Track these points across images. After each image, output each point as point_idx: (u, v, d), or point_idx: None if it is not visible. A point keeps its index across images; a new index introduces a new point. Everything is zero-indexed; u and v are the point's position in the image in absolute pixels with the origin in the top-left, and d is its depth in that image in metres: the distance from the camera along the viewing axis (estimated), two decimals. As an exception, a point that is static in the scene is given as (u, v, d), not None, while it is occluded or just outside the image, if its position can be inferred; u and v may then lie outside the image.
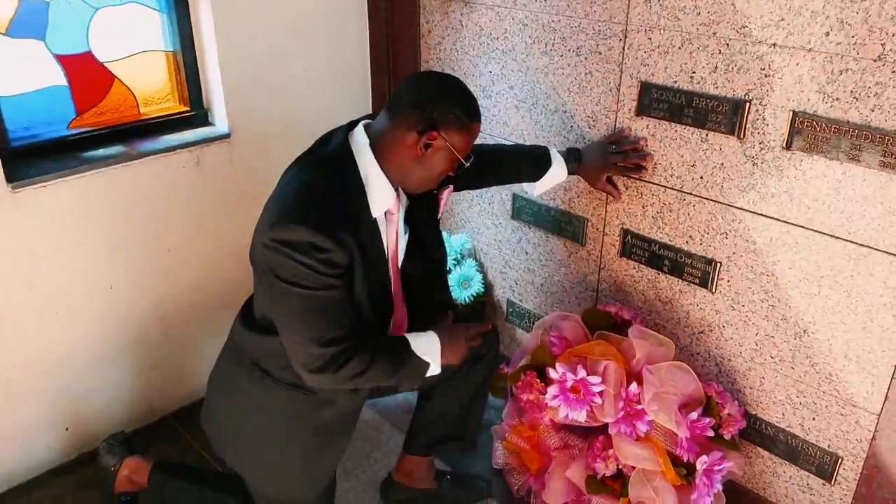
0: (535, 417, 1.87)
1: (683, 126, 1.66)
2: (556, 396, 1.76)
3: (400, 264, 1.54)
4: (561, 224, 2.02)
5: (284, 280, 1.31)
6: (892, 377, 1.49)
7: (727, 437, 1.74)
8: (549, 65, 1.90)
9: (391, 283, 1.50)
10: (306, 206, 1.31)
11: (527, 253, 2.17)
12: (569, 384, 1.75)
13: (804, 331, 1.60)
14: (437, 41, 2.17)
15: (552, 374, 1.77)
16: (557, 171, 1.80)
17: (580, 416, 1.74)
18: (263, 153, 2.16)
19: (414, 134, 1.35)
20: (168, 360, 2.17)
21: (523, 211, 2.10)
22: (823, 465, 1.67)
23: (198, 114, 2.08)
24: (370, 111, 2.43)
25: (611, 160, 1.78)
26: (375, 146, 1.38)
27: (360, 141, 1.39)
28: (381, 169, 1.38)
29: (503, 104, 2.05)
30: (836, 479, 1.66)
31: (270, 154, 2.17)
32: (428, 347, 1.49)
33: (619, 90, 1.77)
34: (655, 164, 1.75)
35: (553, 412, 1.79)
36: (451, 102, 1.36)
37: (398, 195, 1.46)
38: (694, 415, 1.71)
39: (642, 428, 1.71)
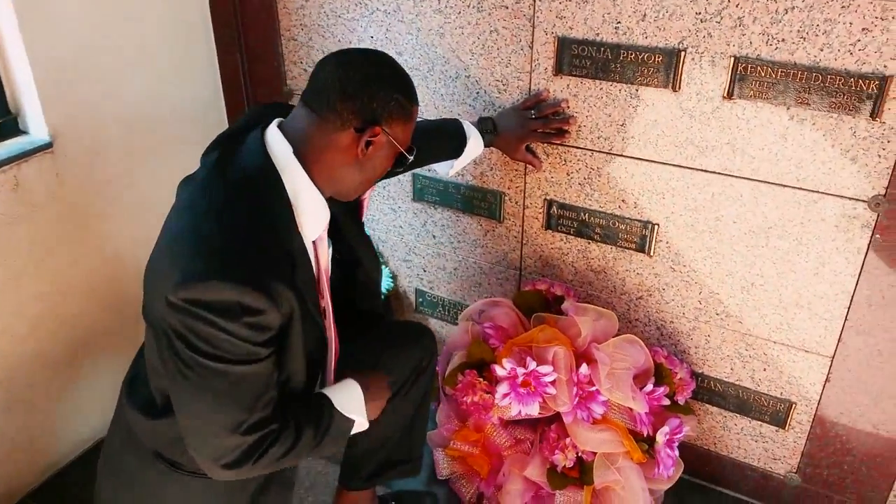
0: (481, 419, 1.69)
1: (610, 83, 1.52)
2: (506, 395, 1.59)
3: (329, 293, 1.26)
4: (473, 202, 1.83)
5: (197, 351, 1.00)
6: (845, 319, 1.48)
7: (681, 402, 1.69)
8: (445, 24, 1.67)
9: (329, 328, 1.22)
10: (231, 253, 1.00)
11: (434, 237, 1.95)
12: (519, 379, 1.59)
13: (751, 284, 1.55)
14: (300, 4, 1.84)
15: (499, 371, 1.60)
16: (474, 146, 1.59)
17: (533, 410, 1.60)
18: (99, 161, 1.73)
19: (350, 132, 1.08)
20: (14, 429, 1.72)
21: (426, 191, 1.88)
22: (777, 413, 1.66)
23: (5, 122, 1.61)
24: (221, 97, 2.05)
25: (530, 127, 1.60)
26: (300, 153, 1.09)
27: (279, 149, 1.09)
28: (311, 180, 1.09)
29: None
30: (789, 425, 1.65)
31: (108, 161, 1.75)
32: (351, 402, 1.24)
33: (531, 48, 1.58)
34: (580, 126, 1.60)
35: (503, 410, 1.63)
36: (390, 86, 1.10)
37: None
38: (649, 386, 1.63)
39: (598, 410, 1.60)
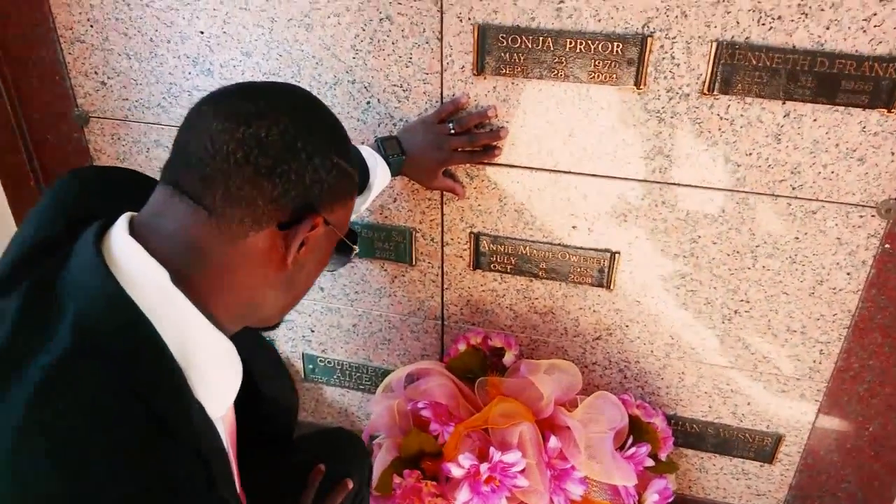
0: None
1: (552, 82, 1.18)
2: (468, 501, 1.24)
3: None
4: (373, 243, 1.43)
5: None
6: (845, 340, 1.28)
7: (664, 457, 1.43)
8: (313, 12, 1.23)
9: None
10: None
11: (321, 289, 1.54)
12: (483, 477, 1.25)
13: (735, 312, 1.31)
14: (88, -7, 1.31)
15: (454, 471, 1.25)
16: (382, 179, 1.20)
17: (498, 507, 1.27)
18: None
19: (270, 232, 0.67)
20: None
21: None
22: (762, 448, 1.47)
23: None
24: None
25: (449, 146, 1.23)
26: (183, 276, 0.66)
27: (145, 276, 0.64)
28: (209, 319, 0.66)
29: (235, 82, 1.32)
30: (776, 458, 1.46)
31: None
32: None
33: (440, 40, 1.20)
34: (513, 140, 1.25)
35: (459, 515, 1.28)
36: (325, 144, 0.69)
37: None
38: (632, 449, 1.35)
39: (577, 491, 1.32)
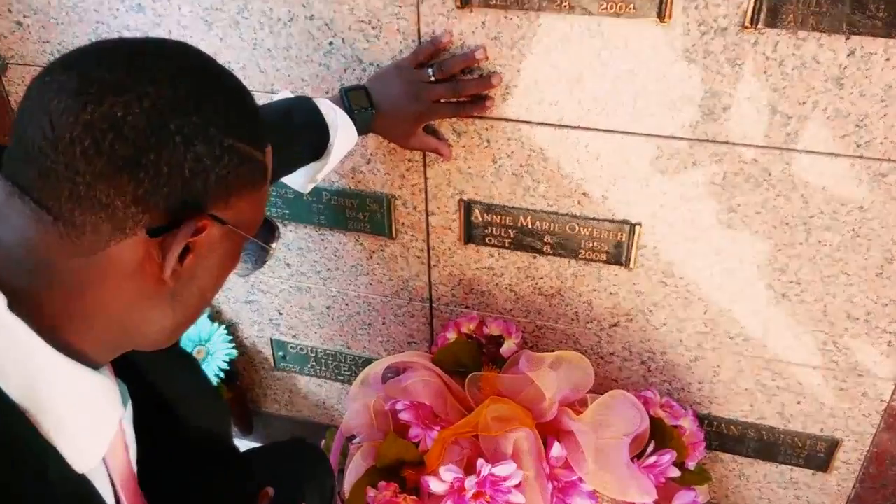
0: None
1: (556, 15, 1.05)
2: (452, 522, 1.17)
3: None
4: (345, 212, 1.34)
5: None
6: (919, 331, 1.17)
7: (692, 466, 1.34)
8: (259, -68, 1.11)
9: None
10: None
11: (288, 265, 1.46)
12: (469, 493, 1.17)
13: (783, 295, 1.21)
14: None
15: (434, 486, 1.17)
16: (344, 139, 1.10)
17: (490, 529, 1.20)
18: None
19: (138, 241, 0.58)
20: None
21: (268, 201, 1.36)
22: (814, 454, 1.38)
23: None
24: None
25: (429, 96, 1.12)
26: (24, 298, 0.58)
27: None
28: (65, 349, 0.59)
29: (173, 22, 1.22)
30: (832, 466, 1.37)
31: None
32: None
33: (415, -36, 1.07)
34: (507, 87, 1.14)
35: (445, 535, 1.21)
36: (215, 125, 0.60)
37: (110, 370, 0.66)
38: (653, 457, 1.27)
39: (585, 507, 1.23)
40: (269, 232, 0.71)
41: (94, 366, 0.62)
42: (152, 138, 0.56)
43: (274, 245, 0.71)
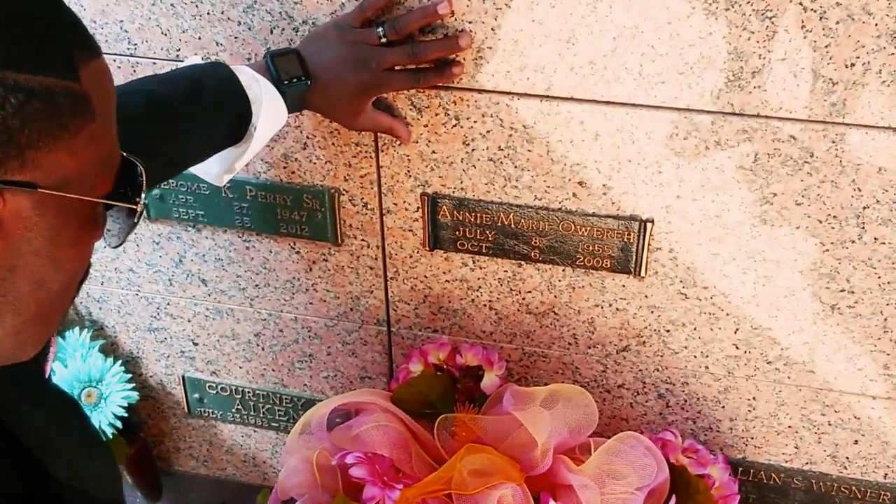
0: None
1: (537, -44, 1.09)
2: None
3: None
4: (276, 212, 1.41)
5: None
6: None
7: (724, 524, 1.40)
8: None
9: None
10: None
11: (204, 282, 1.51)
12: (441, 571, 1.21)
13: (833, 307, 1.29)
14: None
15: (397, 562, 1.21)
16: (272, 118, 1.15)
17: None
18: None
19: None
20: None
21: (175, 200, 1.46)
22: (877, 506, 1.43)
23: None
24: None
25: (381, 62, 1.17)
26: None
27: None
28: None
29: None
30: (899, 520, 1.43)
31: None
32: None
33: None
34: (479, 51, 1.19)
35: None
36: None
37: None
38: (671, 513, 1.34)
39: (590, 582, 1.29)
40: (128, 178, 0.70)
41: None
42: None
43: (140, 198, 0.70)
